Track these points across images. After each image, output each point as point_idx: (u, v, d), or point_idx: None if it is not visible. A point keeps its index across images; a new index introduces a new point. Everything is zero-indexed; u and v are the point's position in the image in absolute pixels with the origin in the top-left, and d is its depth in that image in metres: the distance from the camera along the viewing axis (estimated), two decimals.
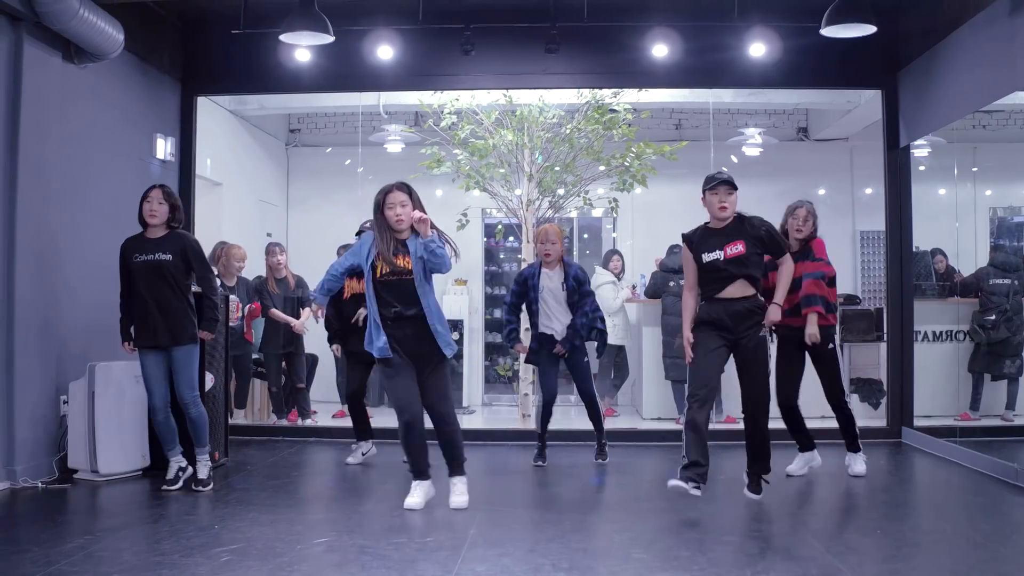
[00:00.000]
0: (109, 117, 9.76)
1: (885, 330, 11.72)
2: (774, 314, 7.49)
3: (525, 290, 9.39)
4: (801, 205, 8.69)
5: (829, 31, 9.28)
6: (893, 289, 11.13)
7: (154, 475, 8.59)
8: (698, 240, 7.57)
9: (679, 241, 7.88)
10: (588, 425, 9.81)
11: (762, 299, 7.55)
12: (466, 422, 12.44)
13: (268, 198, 14.56)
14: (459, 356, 13.69)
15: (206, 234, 11.80)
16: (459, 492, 7.52)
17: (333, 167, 14.43)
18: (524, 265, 10.95)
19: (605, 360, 12.96)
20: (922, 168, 11.86)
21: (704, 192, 7.57)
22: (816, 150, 14.88)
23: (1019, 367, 11.18)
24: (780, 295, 7.59)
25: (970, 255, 11.80)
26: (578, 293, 9.30)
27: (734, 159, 14.16)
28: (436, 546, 6.34)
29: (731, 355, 7.53)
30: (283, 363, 11.68)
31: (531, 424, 11.10)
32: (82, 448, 8.52)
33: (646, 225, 14.23)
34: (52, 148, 8.67)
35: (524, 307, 9.52)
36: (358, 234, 9.43)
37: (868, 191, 14.20)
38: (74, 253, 9.02)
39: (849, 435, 8.88)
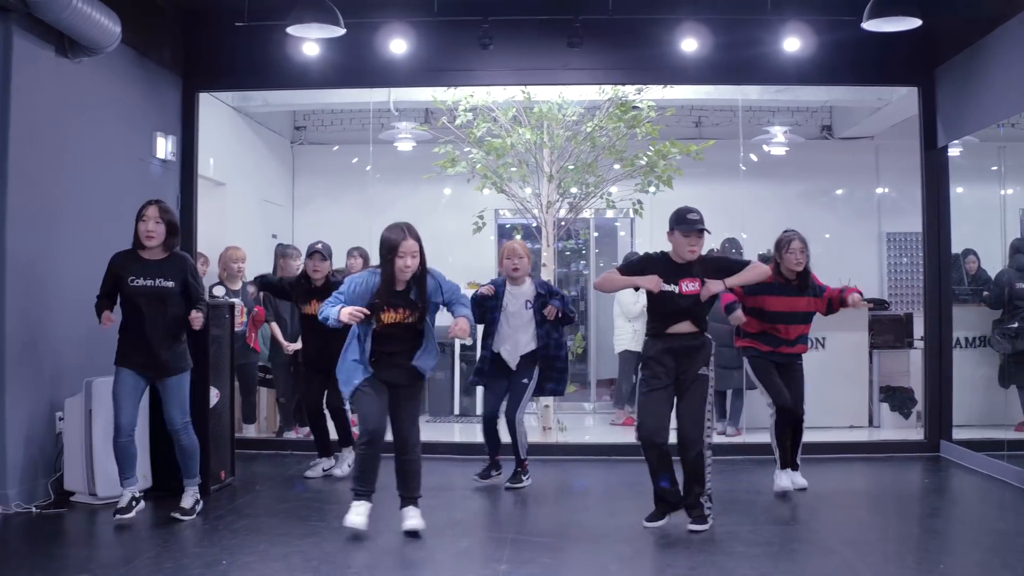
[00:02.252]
0: (106, 115, 9.22)
1: (916, 336, 11.30)
2: (714, 287, 7.28)
3: (483, 310, 8.90)
4: (793, 237, 8.54)
5: (871, 24, 8.92)
6: (931, 294, 10.63)
7: (156, 496, 8.06)
8: (656, 264, 7.44)
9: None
10: (614, 439, 9.34)
11: (708, 336, 7.47)
12: (478, 433, 11.99)
13: (273, 198, 14.12)
14: (472, 362, 13.23)
15: (209, 236, 11.38)
16: (413, 515, 7.15)
17: (340, 165, 14.03)
18: (543, 272, 10.58)
19: (624, 367, 12.52)
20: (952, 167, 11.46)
21: (673, 228, 7.43)
22: (840, 149, 14.47)
23: None
24: (735, 281, 7.43)
25: (998, 257, 11.33)
26: (547, 298, 8.87)
27: (754, 157, 13.70)
28: None
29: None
30: (291, 372, 11.13)
31: (553, 437, 10.72)
32: (79, 469, 7.98)
33: (664, 226, 13.70)
34: (44, 148, 8.16)
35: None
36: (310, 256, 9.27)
37: (894, 191, 13.74)
38: (69, 261, 8.48)
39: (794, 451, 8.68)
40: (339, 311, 6.83)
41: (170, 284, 7.49)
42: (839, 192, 14.67)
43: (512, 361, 8.88)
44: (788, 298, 8.44)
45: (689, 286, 7.26)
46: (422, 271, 7.05)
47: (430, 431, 11.64)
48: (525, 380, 8.92)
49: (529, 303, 8.88)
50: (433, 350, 7.23)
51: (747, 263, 7.65)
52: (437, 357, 7.36)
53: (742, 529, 7.28)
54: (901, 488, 9.19)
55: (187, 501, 7.63)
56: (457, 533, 7.20)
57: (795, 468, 8.57)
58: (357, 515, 7.03)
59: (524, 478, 8.96)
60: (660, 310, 7.38)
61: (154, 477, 8.37)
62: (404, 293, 7.04)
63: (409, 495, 7.23)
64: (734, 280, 7.39)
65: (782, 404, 8.42)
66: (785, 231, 8.63)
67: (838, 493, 8.74)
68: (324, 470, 9.37)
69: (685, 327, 7.35)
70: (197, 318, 7.51)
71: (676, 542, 7.00)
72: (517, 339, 8.89)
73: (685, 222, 7.31)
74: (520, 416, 8.98)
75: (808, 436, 9.06)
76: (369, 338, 7.05)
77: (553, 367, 8.94)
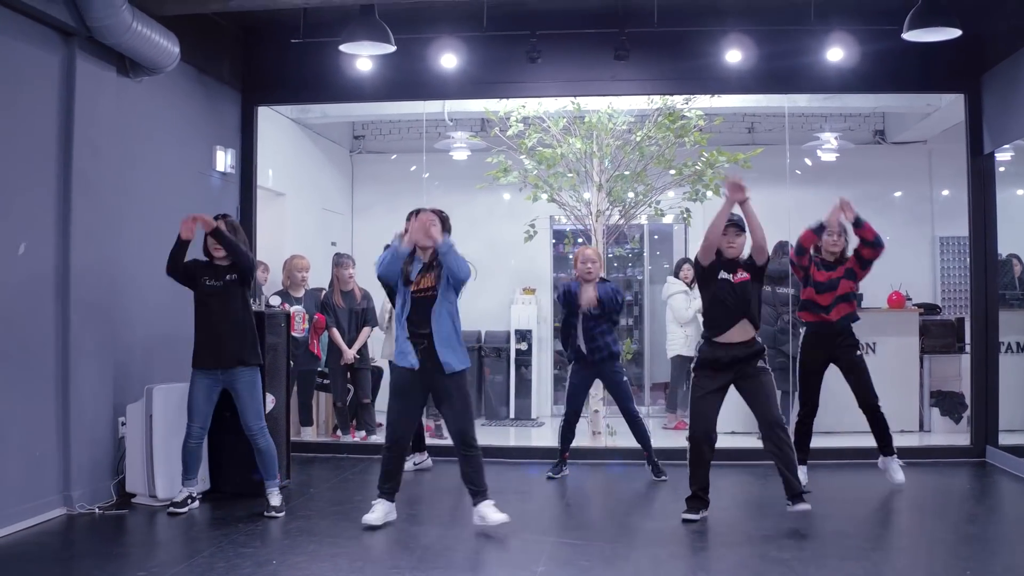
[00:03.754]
0: (166, 130, 9.57)
1: (967, 340, 11.34)
2: (735, 188, 7.79)
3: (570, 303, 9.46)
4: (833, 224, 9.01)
5: (911, 35, 8.97)
6: (977, 299, 10.67)
7: (214, 498, 8.42)
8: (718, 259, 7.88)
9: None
10: (666, 443, 9.92)
11: (761, 342, 7.89)
12: (534, 437, 12.20)
13: (333, 206, 14.37)
14: (527, 366, 13.47)
15: (270, 246, 11.69)
16: (494, 511, 7.51)
17: (398, 174, 14.21)
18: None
19: (676, 372, 12.69)
20: (1001, 170, 11.45)
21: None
22: (893, 154, 14.45)
23: None
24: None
25: None
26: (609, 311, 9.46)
27: (808, 162, 13.81)
28: None
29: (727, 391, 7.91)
30: (348, 377, 11.43)
31: (605, 441, 10.91)
32: (140, 472, 8.34)
33: None
34: (107, 164, 8.48)
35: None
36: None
37: (947, 194, 13.74)
38: (132, 272, 8.84)
39: (884, 437, 8.97)
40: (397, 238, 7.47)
41: (234, 276, 8.04)
42: (892, 197, 14.66)
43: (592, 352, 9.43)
44: (827, 273, 8.89)
45: (740, 275, 7.73)
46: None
47: (485, 435, 11.86)
48: (620, 377, 9.61)
49: (599, 297, 9.36)
50: (456, 343, 7.55)
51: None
52: (463, 355, 7.63)
53: (773, 532, 7.44)
54: (941, 493, 9.26)
55: (275, 500, 8.03)
56: (502, 534, 7.38)
57: (887, 453, 8.98)
58: (373, 512, 7.54)
59: (662, 474, 9.49)
60: (714, 308, 7.79)
61: (212, 480, 8.70)
62: (428, 264, 7.53)
63: (478, 491, 7.60)
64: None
65: (807, 409, 8.88)
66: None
67: (878, 497, 8.84)
68: (415, 464, 9.86)
69: (738, 334, 7.70)
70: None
71: (713, 546, 7.23)
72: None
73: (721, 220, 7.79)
74: (635, 408, 9.64)
75: (856, 440, 9.28)
76: (408, 305, 7.51)
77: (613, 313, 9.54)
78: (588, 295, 9.35)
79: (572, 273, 9.94)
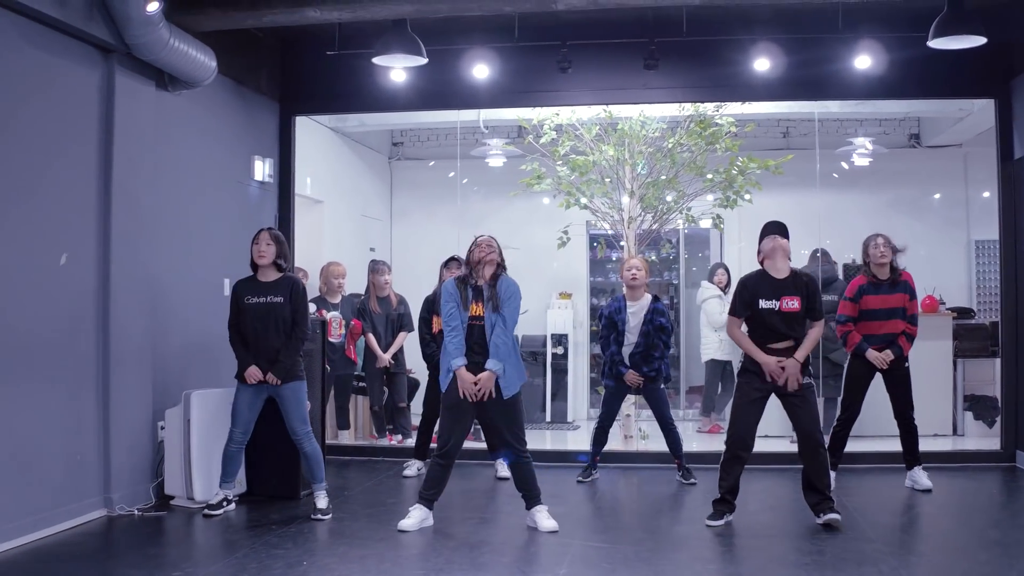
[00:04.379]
0: (205, 141, 9.80)
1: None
2: (792, 368, 7.75)
3: (613, 324, 9.63)
4: (878, 235, 9.22)
5: (937, 43, 8.99)
6: (1008, 303, 10.70)
7: (250, 501, 8.65)
8: (754, 285, 7.92)
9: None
10: (700, 447, 10.24)
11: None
12: (569, 440, 12.34)
13: (371, 213, 14.57)
14: (564, 370, 13.61)
15: (307, 253, 11.89)
16: (545, 517, 7.76)
17: (436, 180, 14.39)
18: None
19: (711, 376, 12.80)
20: None
21: (767, 238, 8.05)
22: (928, 157, 14.46)
23: None
24: (803, 353, 7.85)
25: None
26: (657, 332, 9.60)
27: (844, 166, 13.88)
28: None
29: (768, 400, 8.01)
30: (384, 381, 11.63)
31: (637, 445, 11.05)
32: (178, 475, 8.56)
33: (753, 236, 13.89)
34: (146, 176, 8.71)
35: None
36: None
37: (985, 196, 13.72)
38: (171, 279, 9.08)
39: (912, 447, 9.21)
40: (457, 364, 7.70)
41: (279, 299, 8.21)
42: (927, 200, 14.68)
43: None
44: (882, 296, 9.06)
45: (789, 304, 7.77)
46: (496, 273, 7.73)
47: None
48: (662, 387, 9.73)
49: (645, 314, 9.53)
50: (511, 365, 7.72)
51: (819, 293, 8.12)
52: (519, 374, 7.83)
53: (795, 535, 7.59)
54: (967, 498, 9.31)
55: (321, 503, 8.24)
56: (527, 538, 7.57)
57: (913, 464, 9.21)
58: (409, 518, 7.73)
59: (691, 477, 9.67)
60: (760, 323, 7.86)
61: (248, 483, 8.92)
62: (480, 290, 7.70)
63: (530, 498, 7.86)
64: (802, 352, 7.83)
65: (847, 416, 9.02)
66: (870, 234, 9.25)
67: (902, 502, 8.94)
68: (418, 470, 10.03)
69: (785, 344, 7.81)
70: (267, 376, 8.24)
71: (734, 549, 7.36)
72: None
73: (771, 231, 8.02)
74: (671, 416, 9.76)
75: (888, 445, 9.35)
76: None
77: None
78: (631, 378, 9.57)
79: (619, 285, 10.07)
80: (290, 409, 8.25)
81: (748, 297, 7.86)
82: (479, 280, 7.71)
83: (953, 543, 7.71)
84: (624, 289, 9.76)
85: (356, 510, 8.55)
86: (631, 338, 9.57)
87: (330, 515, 8.15)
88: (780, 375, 7.71)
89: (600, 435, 9.85)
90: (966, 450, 10.95)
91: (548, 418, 13.43)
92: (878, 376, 9.11)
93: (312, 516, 8.11)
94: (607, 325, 9.65)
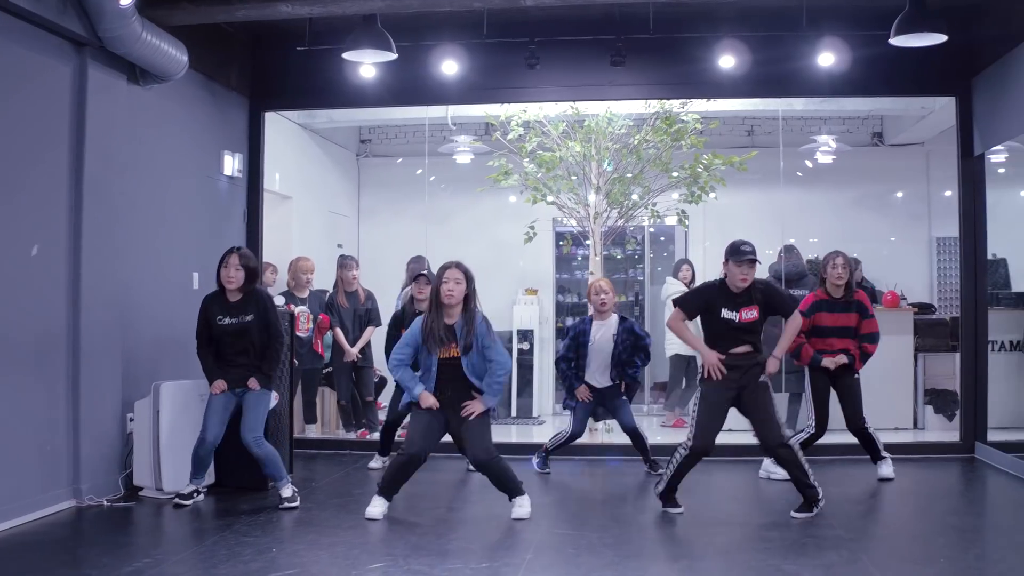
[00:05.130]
0: (175, 136, 9.85)
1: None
2: (772, 366, 8.03)
3: (577, 346, 9.71)
4: (838, 254, 9.35)
5: (898, 40, 9.12)
6: (967, 298, 10.89)
7: (218, 492, 8.71)
8: (713, 295, 7.99)
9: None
10: (663, 439, 10.39)
11: (763, 354, 8.05)
12: (536, 434, 12.43)
13: (339, 209, 14.63)
14: (529, 366, 13.70)
15: (276, 248, 11.94)
16: (519, 504, 7.85)
17: (404, 177, 14.46)
18: (589, 277, 11.03)
19: (675, 371, 12.93)
20: (1001, 171, 11.67)
21: (727, 259, 7.96)
22: (891, 155, 14.64)
23: None
24: (782, 349, 8.20)
25: None
26: (631, 349, 9.68)
27: (808, 164, 14.04)
28: (490, 573, 6.33)
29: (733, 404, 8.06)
30: (352, 376, 11.71)
31: (601, 438, 11.17)
32: (147, 466, 8.61)
33: (718, 233, 14.08)
34: (117, 169, 8.74)
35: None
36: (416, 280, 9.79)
37: (947, 194, 13.89)
38: (142, 273, 9.14)
39: (873, 450, 9.40)
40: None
41: (249, 318, 8.34)
42: (890, 198, 14.85)
43: (602, 383, 9.69)
44: (835, 314, 9.24)
45: (748, 314, 7.87)
46: (469, 308, 7.75)
47: None
48: (622, 396, 9.79)
49: (614, 335, 9.62)
50: (488, 387, 7.85)
51: (789, 299, 8.37)
52: (498, 383, 7.91)
53: (757, 523, 7.78)
54: (927, 487, 9.48)
55: (286, 491, 8.31)
56: (491, 526, 7.69)
57: (877, 459, 9.37)
58: (374, 507, 7.81)
59: (659, 467, 9.64)
60: (719, 334, 7.95)
61: (216, 474, 8.99)
62: (451, 328, 7.73)
63: (512, 492, 7.93)
64: (781, 348, 8.14)
65: (819, 425, 9.19)
66: (831, 252, 9.40)
67: (865, 491, 9.08)
68: (383, 463, 10.06)
69: (743, 349, 7.91)
70: (253, 384, 8.42)
71: (697, 534, 7.49)
72: (605, 367, 9.67)
73: (738, 253, 7.86)
74: (635, 421, 9.86)
75: (848, 437, 9.49)
76: (434, 369, 7.83)
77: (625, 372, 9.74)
78: (582, 392, 9.71)
79: (587, 307, 10.21)
80: (248, 411, 8.34)
81: (702, 304, 8.01)
82: (447, 319, 7.74)
83: (913, 529, 7.92)
84: (591, 310, 9.90)
85: (324, 500, 8.63)
86: (596, 357, 9.66)
87: (297, 503, 8.22)
88: (718, 370, 7.82)
89: (563, 444, 9.97)
90: (927, 442, 11.12)
91: (513, 413, 13.50)
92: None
93: (279, 506, 8.17)
94: (569, 347, 9.75)
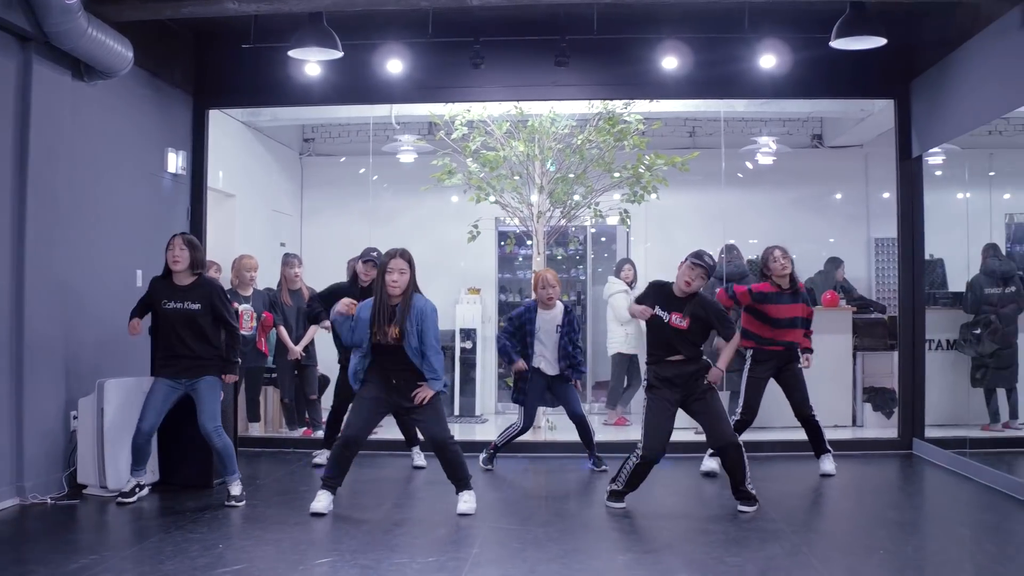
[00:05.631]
0: (120, 133, 9.80)
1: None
2: (715, 375, 8.10)
3: (523, 334, 9.82)
4: (774, 248, 9.54)
5: (839, 43, 9.29)
6: (904, 298, 11.07)
7: (163, 490, 8.67)
8: (658, 293, 8.14)
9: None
10: (605, 437, 10.45)
11: (707, 360, 8.16)
12: (478, 432, 12.47)
13: (282, 208, 14.58)
14: (472, 365, 13.75)
15: (219, 246, 11.90)
16: (465, 500, 7.94)
17: (347, 177, 14.47)
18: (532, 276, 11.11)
19: (617, 370, 13.02)
20: (938, 174, 11.84)
21: (685, 259, 8.04)
22: (831, 157, 14.82)
23: (1008, 378, 11.13)
24: (724, 362, 8.20)
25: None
26: (570, 336, 9.83)
27: (749, 165, 14.18)
28: (437, 567, 6.37)
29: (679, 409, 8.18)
30: (295, 374, 11.70)
31: (544, 436, 11.24)
32: (91, 464, 8.56)
33: (660, 233, 14.23)
34: (62, 166, 8.70)
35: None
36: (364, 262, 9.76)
37: (884, 196, 14.06)
38: (85, 270, 9.08)
39: (818, 442, 9.56)
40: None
41: (196, 307, 8.29)
42: (829, 199, 15.03)
43: (551, 370, 9.79)
44: (786, 305, 9.39)
45: (677, 320, 7.96)
46: (408, 294, 7.79)
47: None
48: (570, 383, 9.88)
49: (559, 326, 9.74)
50: (430, 365, 7.86)
51: (726, 317, 8.37)
52: (440, 368, 7.95)
53: (701, 517, 7.89)
54: (866, 482, 9.63)
55: (235, 490, 8.32)
56: (437, 522, 7.71)
57: (822, 452, 9.53)
58: (319, 501, 7.85)
59: (603, 464, 9.87)
60: (655, 337, 8.10)
61: (161, 472, 8.95)
62: (393, 311, 7.77)
63: (460, 482, 8.01)
64: (723, 362, 8.18)
65: (748, 415, 9.34)
66: (767, 247, 9.55)
67: (806, 486, 9.22)
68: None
69: (676, 357, 8.00)
70: (229, 379, 8.56)
71: (641, 528, 7.63)
72: (553, 354, 9.78)
73: (696, 257, 8.00)
74: (583, 410, 9.99)
75: (790, 434, 9.67)
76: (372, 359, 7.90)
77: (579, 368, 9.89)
78: (519, 366, 9.80)
79: (528, 298, 10.24)
80: (203, 404, 8.31)
81: (652, 297, 8.11)
82: (391, 302, 7.80)
83: (853, 522, 8.07)
84: (534, 297, 9.96)
85: (269, 497, 8.63)
86: (542, 344, 9.77)
87: (244, 502, 8.22)
88: (641, 313, 8.07)
89: (512, 438, 10.06)
90: (866, 438, 11.33)
91: (456, 411, 13.53)
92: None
93: (226, 503, 8.17)
94: (512, 331, 9.84)
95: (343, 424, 8.11)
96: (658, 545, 7.10)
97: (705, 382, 8.00)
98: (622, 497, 8.14)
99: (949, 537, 7.46)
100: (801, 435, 9.57)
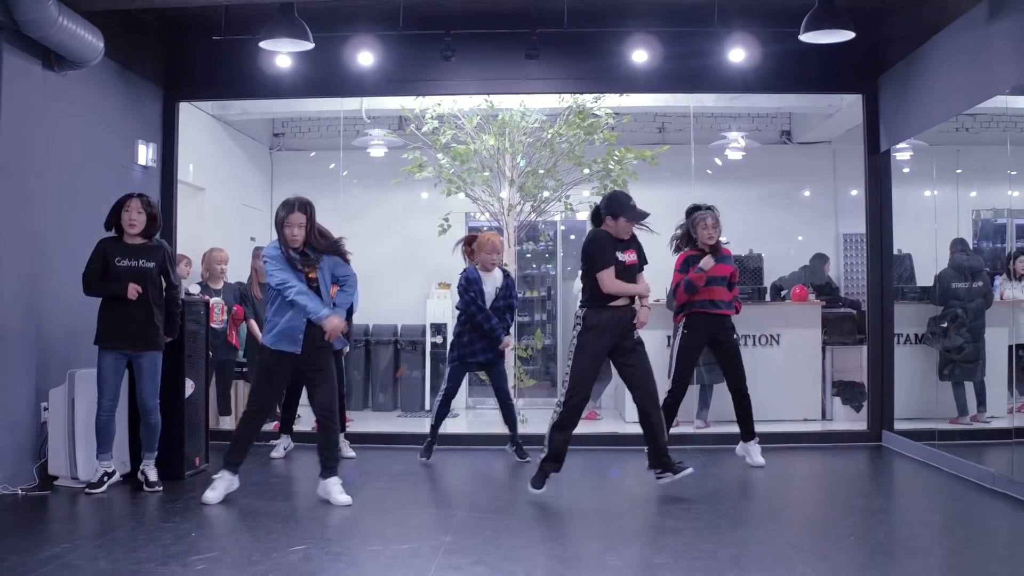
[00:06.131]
0: (90, 124, 9.74)
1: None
2: (643, 316, 8.19)
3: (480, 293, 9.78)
4: (709, 214, 9.66)
5: (808, 37, 9.32)
6: (873, 292, 11.14)
7: (134, 482, 8.61)
8: (610, 241, 8.14)
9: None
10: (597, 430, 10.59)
11: (633, 307, 8.20)
12: (450, 425, 12.47)
13: (252, 202, 14.54)
14: (443, 359, 13.73)
15: (189, 239, 11.87)
16: (339, 491, 7.91)
17: (317, 171, 14.40)
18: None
19: None
20: (906, 171, 11.92)
21: (618, 216, 8.10)
22: (799, 153, 14.93)
23: (974, 372, 11.21)
24: (642, 289, 8.25)
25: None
26: (508, 300, 9.87)
27: (718, 161, 14.28)
28: (411, 554, 6.39)
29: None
30: None
31: (521, 428, 11.24)
32: (62, 455, 8.52)
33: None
34: (32, 156, 8.66)
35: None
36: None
37: (852, 193, 14.16)
38: (55, 260, 9.01)
39: (748, 424, 9.56)
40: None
41: (151, 265, 8.32)
42: (798, 195, 15.14)
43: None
44: (719, 265, 9.50)
45: (628, 256, 8.10)
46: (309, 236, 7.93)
47: (401, 425, 12.29)
48: (502, 365, 9.95)
49: (498, 288, 9.77)
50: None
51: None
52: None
53: (677, 504, 7.86)
54: (837, 473, 9.72)
55: (152, 475, 8.41)
56: (410, 511, 7.77)
57: (751, 437, 9.49)
58: (213, 490, 7.95)
59: (526, 456, 9.87)
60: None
61: (132, 464, 8.91)
62: (306, 255, 7.92)
63: (329, 464, 8.06)
64: (641, 289, 8.24)
65: (680, 386, 9.42)
66: (702, 208, 9.68)
67: (778, 477, 9.27)
68: (285, 448, 10.31)
69: (621, 302, 8.05)
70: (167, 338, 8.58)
71: (607, 514, 7.65)
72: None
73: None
74: (508, 387, 10.08)
75: (761, 428, 9.66)
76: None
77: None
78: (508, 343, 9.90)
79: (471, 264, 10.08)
80: (147, 380, 8.38)
81: (611, 247, 8.07)
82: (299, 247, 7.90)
83: (823, 510, 8.17)
84: (477, 264, 9.91)
85: (240, 488, 8.47)
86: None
87: (161, 488, 8.32)
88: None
89: (444, 408, 10.04)
90: (835, 430, 11.38)
91: (427, 406, 13.52)
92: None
93: (145, 488, 8.28)
94: (472, 300, 9.72)
95: (251, 400, 8.22)
96: (631, 532, 7.15)
97: (636, 328, 8.06)
98: (543, 481, 8.11)
99: (919, 524, 7.54)
100: (774, 428, 9.62)
